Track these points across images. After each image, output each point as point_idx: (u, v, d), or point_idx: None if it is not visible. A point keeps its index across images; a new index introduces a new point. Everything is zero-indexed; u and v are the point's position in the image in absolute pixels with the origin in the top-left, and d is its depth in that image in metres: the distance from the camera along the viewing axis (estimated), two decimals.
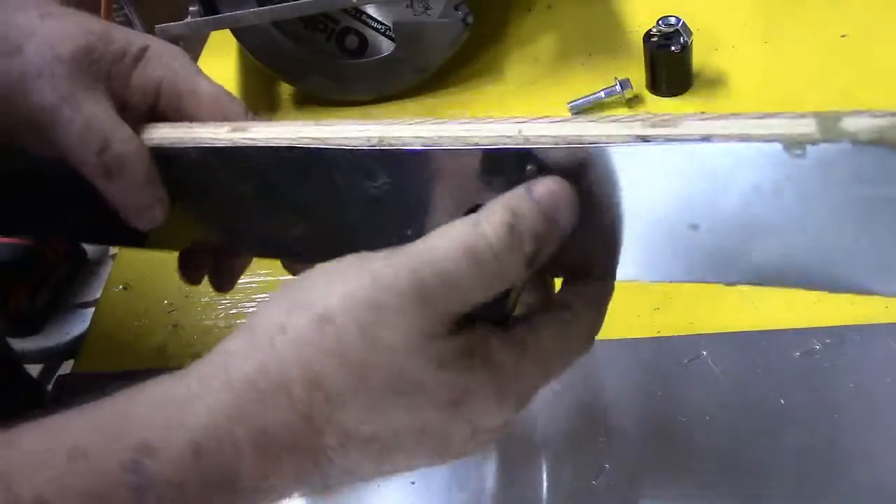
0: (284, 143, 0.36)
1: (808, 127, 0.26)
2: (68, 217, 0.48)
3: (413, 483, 0.46)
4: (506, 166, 0.31)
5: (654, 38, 0.66)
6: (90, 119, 0.37)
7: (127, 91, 0.39)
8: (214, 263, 0.45)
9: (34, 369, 1.06)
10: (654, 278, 0.33)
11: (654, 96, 0.68)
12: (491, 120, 0.31)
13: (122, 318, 0.61)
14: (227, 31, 0.72)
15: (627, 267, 0.33)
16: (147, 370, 0.54)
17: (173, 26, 0.69)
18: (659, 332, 0.51)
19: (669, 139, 0.28)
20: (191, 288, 0.61)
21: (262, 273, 0.61)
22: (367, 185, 0.35)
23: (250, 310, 0.59)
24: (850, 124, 0.26)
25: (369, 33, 0.72)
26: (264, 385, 0.28)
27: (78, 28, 0.38)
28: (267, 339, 0.28)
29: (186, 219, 0.42)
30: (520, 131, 0.30)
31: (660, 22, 0.65)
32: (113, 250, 0.80)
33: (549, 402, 0.48)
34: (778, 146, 0.27)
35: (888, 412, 0.44)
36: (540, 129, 0.30)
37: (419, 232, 0.30)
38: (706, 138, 0.27)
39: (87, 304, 0.96)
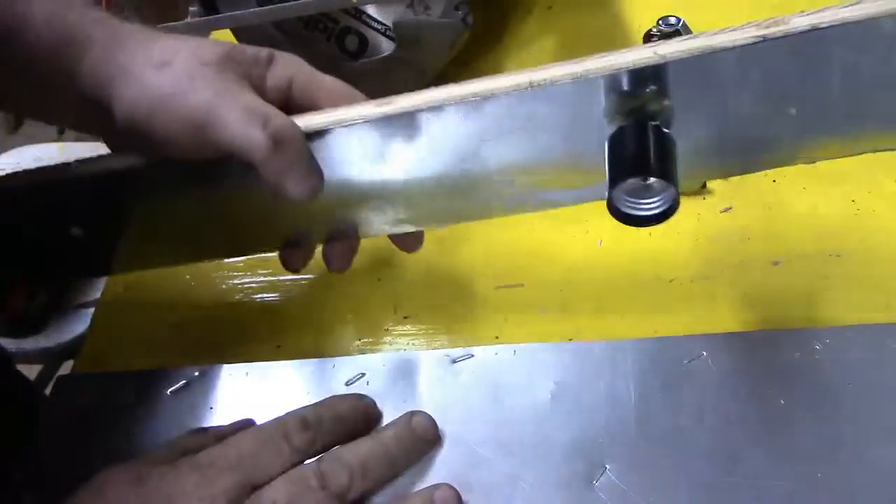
0: (437, 103, 0.40)
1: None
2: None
3: (413, 483, 0.46)
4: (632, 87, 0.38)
5: (655, 38, 0.66)
6: (248, 104, 0.41)
7: (264, 88, 0.44)
8: (327, 249, 0.52)
9: (34, 369, 1.06)
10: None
11: None
12: (623, 50, 0.38)
13: (122, 318, 0.61)
14: (227, 31, 0.72)
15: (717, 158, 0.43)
16: (147, 370, 0.55)
17: (173, 26, 0.69)
18: (659, 332, 0.51)
19: (787, 34, 0.35)
20: (191, 288, 0.61)
21: (261, 273, 0.61)
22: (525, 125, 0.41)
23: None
24: None
25: (369, 33, 0.72)
26: None
27: (212, 43, 0.43)
28: None
29: (328, 201, 0.46)
30: (655, 52, 0.37)
31: (660, 22, 0.65)
32: None
33: (548, 402, 0.48)
34: (887, 21, 0.34)
35: (888, 412, 0.44)
36: (673, 48, 0.37)
37: None
38: (815, 27, 0.34)
39: (87, 304, 0.96)
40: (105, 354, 0.58)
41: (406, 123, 0.41)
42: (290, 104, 0.44)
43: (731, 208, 0.57)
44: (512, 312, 0.54)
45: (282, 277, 0.60)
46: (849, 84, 0.37)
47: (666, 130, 0.38)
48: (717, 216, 0.57)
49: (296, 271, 0.53)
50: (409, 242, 0.52)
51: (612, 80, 0.38)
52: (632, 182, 0.38)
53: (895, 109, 0.39)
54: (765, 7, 0.75)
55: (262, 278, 0.60)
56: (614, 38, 0.75)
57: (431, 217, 0.50)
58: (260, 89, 0.43)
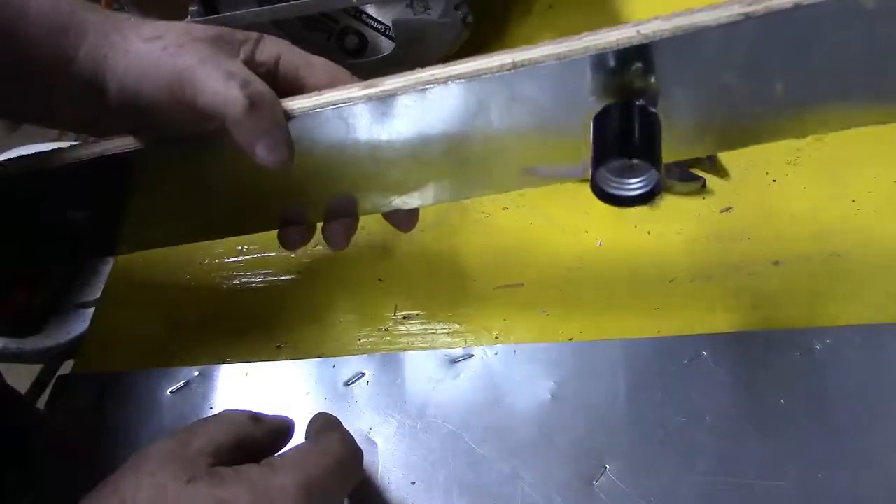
0: (423, 86, 0.41)
1: None
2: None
3: (413, 483, 0.46)
4: (617, 67, 0.38)
5: None
6: (230, 68, 0.42)
7: (253, 64, 0.45)
8: (324, 229, 0.52)
9: (34, 369, 1.06)
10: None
11: None
12: (607, 29, 0.39)
13: (122, 318, 0.61)
14: None
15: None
16: (147, 370, 0.55)
17: None
18: (659, 332, 0.51)
19: (770, 12, 0.35)
20: (191, 288, 0.61)
21: (261, 273, 0.61)
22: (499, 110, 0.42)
23: None
24: None
25: (369, 33, 0.72)
26: None
27: (203, 25, 0.45)
28: None
29: (322, 177, 0.48)
30: (638, 31, 0.37)
31: None
32: None
33: (548, 402, 0.48)
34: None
35: (888, 412, 0.44)
36: (656, 27, 0.37)
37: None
38: (798, 5, 0.34)
39: (87, 304, 0.96)
40: (105, 354, 0.58)
41: (392, 105, 0.42)
42: (278, 81, 0.46)
43: (731, 208, 0.57)
44: (512, 312, 0.54)
45: (282, 277, 0.60)
46: (836, 59, 0.37)
47: (652, 110, 0.38)
48: (717, 216, 0.57)
49: (293, 250, 0.54)
50: (402, 220, 0.53)
51: (595, 60, 0.38)
52: (615, 163, 0.38)
53: (884, 84, 0.39)
54: None
55: (262, 278, 0.60)
56: None
57: (424, 195, 0.50)
58: (249, 64, 0.44)
